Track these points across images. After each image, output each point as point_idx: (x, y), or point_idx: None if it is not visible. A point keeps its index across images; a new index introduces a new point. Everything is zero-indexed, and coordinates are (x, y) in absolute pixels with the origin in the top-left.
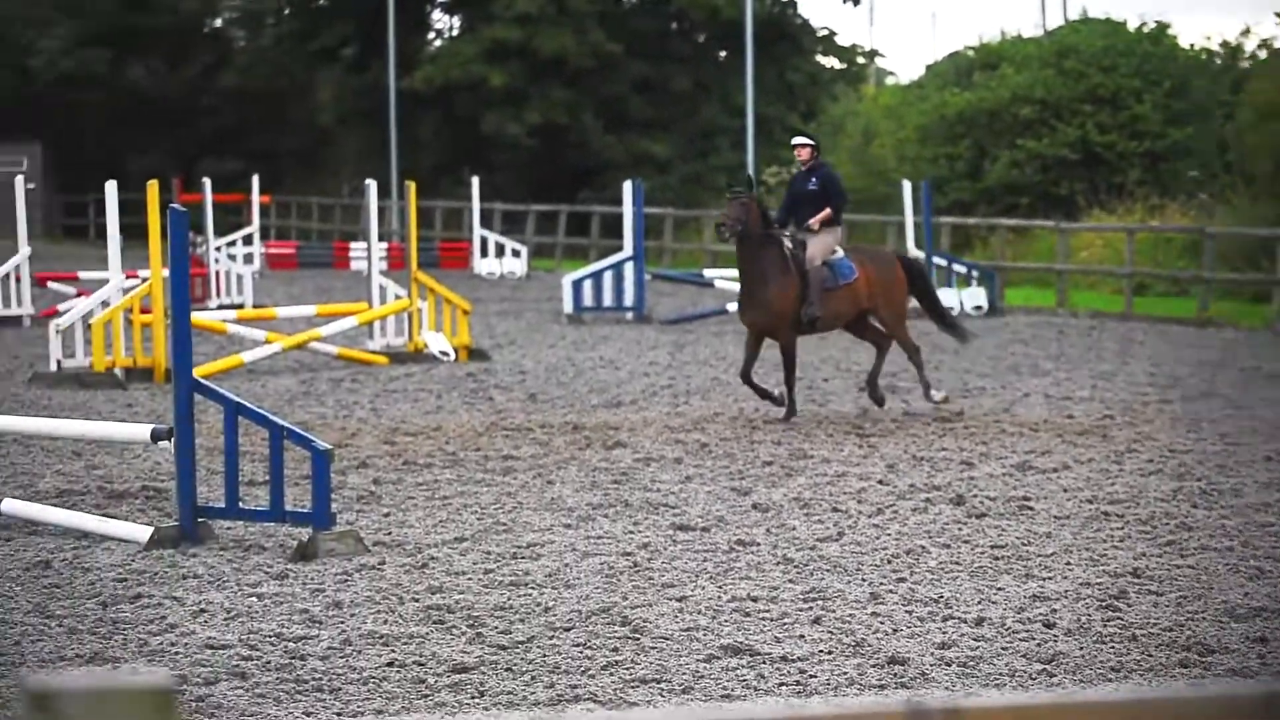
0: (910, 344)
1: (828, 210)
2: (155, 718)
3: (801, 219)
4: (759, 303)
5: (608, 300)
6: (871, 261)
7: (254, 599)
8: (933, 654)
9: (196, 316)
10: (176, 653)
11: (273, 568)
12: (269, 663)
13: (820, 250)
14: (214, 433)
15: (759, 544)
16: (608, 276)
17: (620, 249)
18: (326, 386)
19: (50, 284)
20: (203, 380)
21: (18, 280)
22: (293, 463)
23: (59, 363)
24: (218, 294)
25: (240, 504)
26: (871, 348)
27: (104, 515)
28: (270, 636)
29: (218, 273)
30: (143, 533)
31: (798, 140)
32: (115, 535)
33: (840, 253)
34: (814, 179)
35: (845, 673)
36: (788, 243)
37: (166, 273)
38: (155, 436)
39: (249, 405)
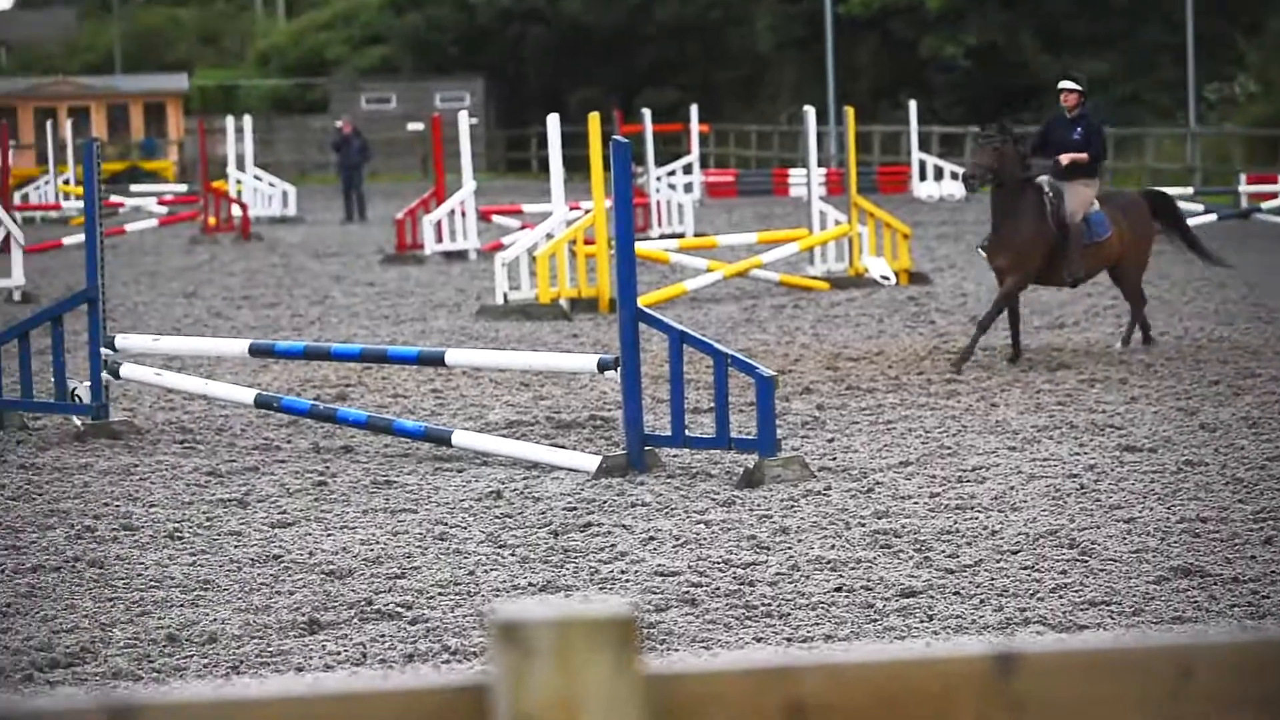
0: (1140, 294)
1: (1084, 155)
2: (619, 647)
3: (1058, 172)
4: (1010, 246)
5: None
6: (1124, 215)
7: (702, 526)
8: None
9: (639, 246)
10: (627, 580)
11: (719, 494)
12: (718, 589)
13: (1081, 205)
14: (659, 361)
15: (1207, 464)
16: None
17: None
18: (768, 313)
19: (495, 218)
20: (647, 309)
21: (463, 215)
22: (736, 390)
23: (505, 295)
24: (659, 223)
25: (686, 432)
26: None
27: (552, 445)
28: (719, 563)
29: (658, 202)
30: (591, 462)
31: (1066, 85)
32: (564, 465)
33: (1096, 205)
34: (1078, 129)
35: None
36: (1047, 190)
37: (609, 204)
38: (601, 366)
39: (693, 333)
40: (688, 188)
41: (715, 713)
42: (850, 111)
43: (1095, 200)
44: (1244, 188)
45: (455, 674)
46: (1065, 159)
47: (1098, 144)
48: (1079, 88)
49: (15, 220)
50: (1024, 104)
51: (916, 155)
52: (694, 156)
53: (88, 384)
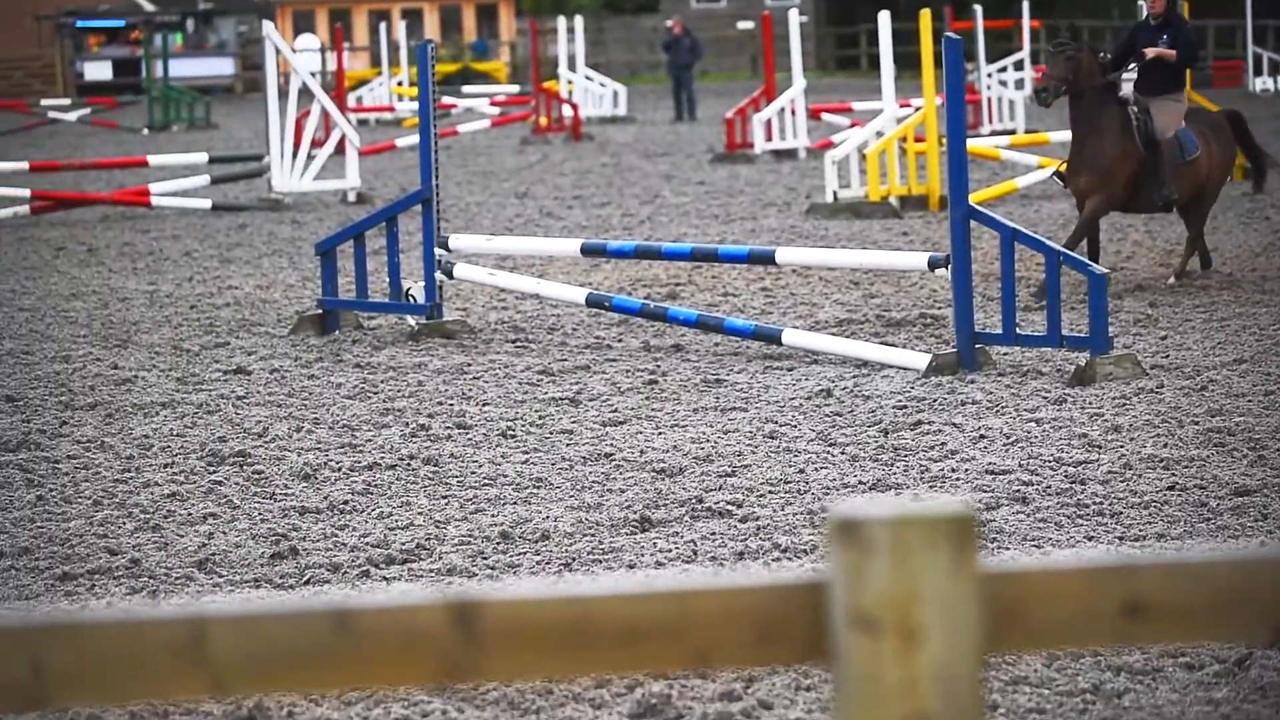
0: (1204, 221)
1: (1171, 51)
2: (957, 545)
3: (1143, 81)
4: (1095, 165)
5: None
6: (1212, 133)
7: (1032, 424)
8: None
9: (970, 143)
10: (957, 478)
11: (1050, 393)
12: (1049, 487)
13: (1171, 122)
14: (989, 259)
15: None
16: None
17: None
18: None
19: (824, 116)
20: (978, 207)
21: (793, 113)
22: (1068, 287)
23: (835, 193)
24: (989, 120)
25: (1017, 330)
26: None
27: (882, 343)
28: (1050, 461)
29: (989, 99)
30: (921, 360)
31: None
32: (894, 363)
33: (1183, 124)
34: (1165, 35)
35: None
36: (1133, 104)
37: (940, 101)
38: (932, 264)
39: (1025, 231)
40: (1019, 84)
41: (1052, 611)
42: (1184, 6)
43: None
44: None
45: (791, 571)
46: (1151, 53)
47: (1185, 51)
48: None
49: (350, 122)
50: None
51: (1251, 49)
52: (1025, 53)
53: (422, 284)
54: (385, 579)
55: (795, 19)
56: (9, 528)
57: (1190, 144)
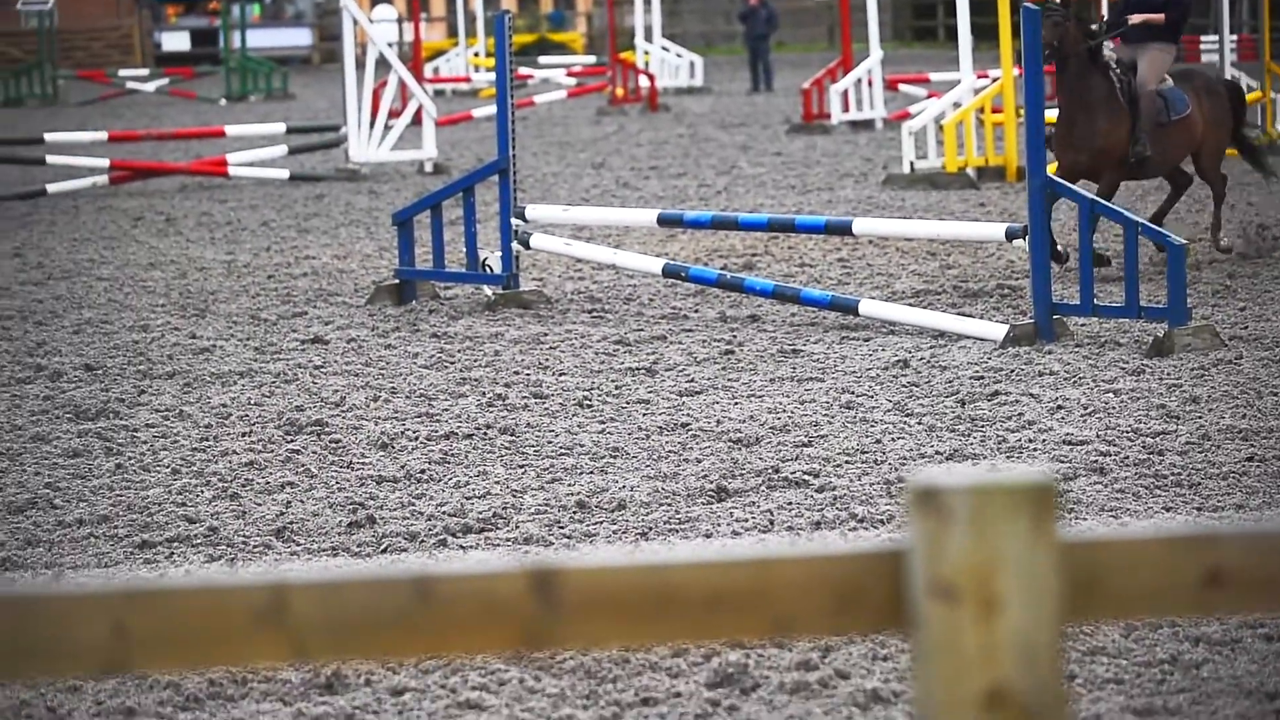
0: (1222, 185)
1: (1159, 16)
2: (1037, 514)
3: (1133, 32)
4: (1082, 139)
5: None
6: (1206, 93)
7: (1110, 395)
8: None
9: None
10: (1034, 449)
11: (1128, 363)
12: (1126, 458)
13: (1153, 73)
14: (1067, 230)
15: None
16: None
17: None
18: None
19: (901, 87)
20: (1056, 177)
21: (869, 84)
22: (1144, 258)
23: (912, 164)
24: None
25: (1095, 301)
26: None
27: (959, 314)
28: (1127, 432)
29: None
30: (998, 330)
31: None
32: (971, 333)
33: (1169, 81)
34: None
35: None
36: (1115, 66)
37: (1017, 72)
38: (1009, 235)
39: (1102, 201)
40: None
41: (1132, 580)
42: None
43: (1168, 77)
44: None
45: (870, 540)
46: (1136, 19)
47: (1176, 11)
48: None
49: (427, 93)
50: None
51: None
52: (1103, 21)
53: (498, 254)
54: (462, 548)
55: None
56: (88, 496)
57: (1179, 102)
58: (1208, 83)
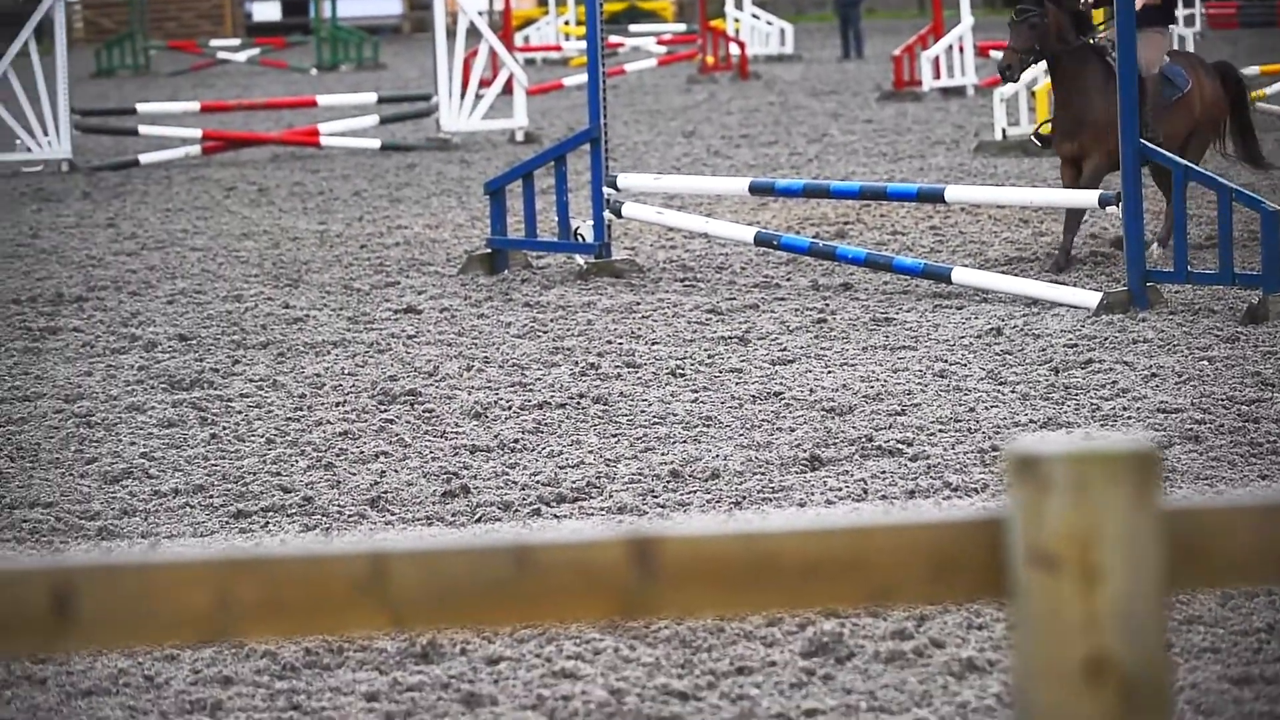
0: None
1: None
2: (1137, 482)
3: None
4: (1081, 126)
5: None
6: (1204, 71)
7: (1204, 362)
8: None
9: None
10: (1129, 417)
11: (1222, 331)
12: (1221, 426)
13: (1154, 56)
14: (1160, 196)
15: None
16: None
17: None
18: (1271, 146)
19: (993, 53)
20: (1149, 144)
21: (960, 51)
22: (1238, 224)
23: (1004, 131)
24: None
25: (1189, 267)
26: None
27: (1052, 281)
28: (1222, 400)
29: None
30: (1091, 298)
31: None
32: (1064, 301)
33: (1167, 59)
34: None
35: None
36: (1111, 52)
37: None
38: (1103, 202)
39: (1196, 167)
40: (1189, 20)
41: (1232, 548)
42: None
43: (1165, 57)
44: None
45: (968, 508)
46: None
47: None
48: None
49: (517, 61)
50: None
51: None
52: None
53: (590, 223)
54: (556, 517)
55: None
56: (184, 465)
57: (1179, 78)
58: (1204, 62)
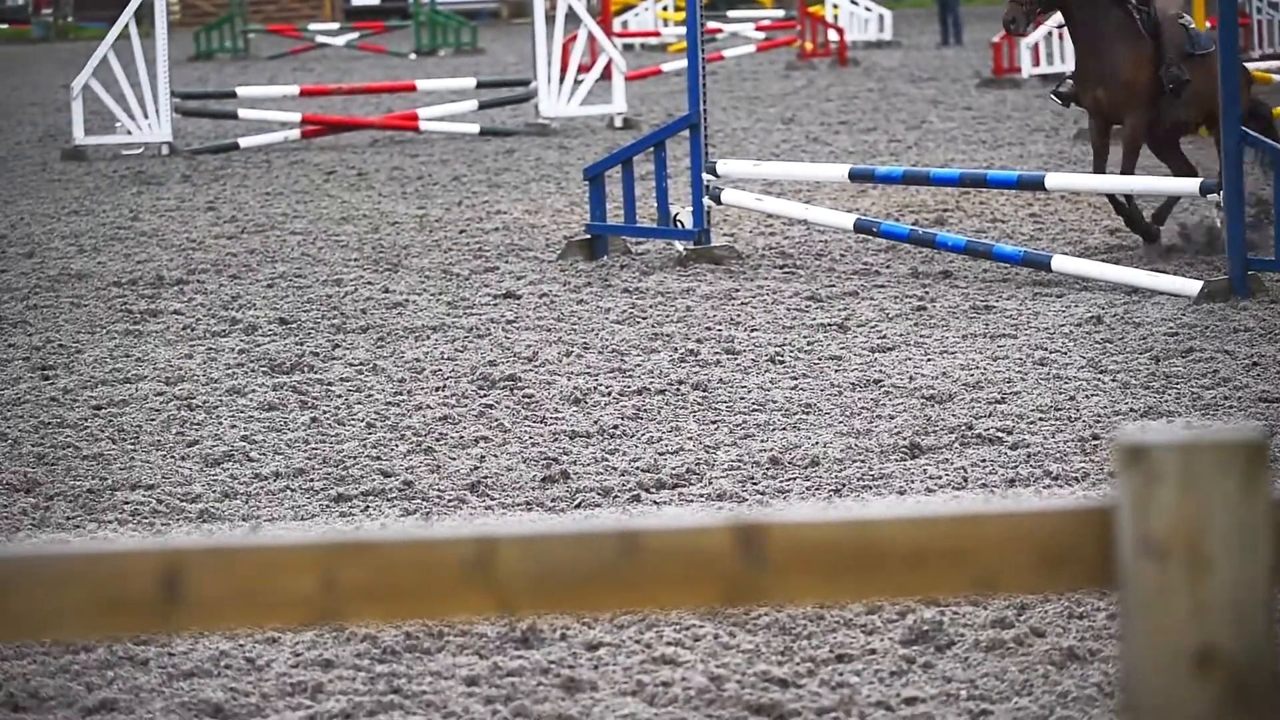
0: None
1: None
2: (1248, 472)
3: None
4: (1104, 73)
5: None
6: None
7: None
8: None
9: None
10: (1230, 406)
11: None
12: None
13: (1169, 2)
14: (1262, 183)
15: None
16: None
17: None
18: None
19: None
20: (1250, 131)
21: (1060, 38)
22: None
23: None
24: (1259, 45)
25: None
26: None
27: (1153, 270)
28: None
29: (1259, 22)
30: (1192, 286)
31: None
32: (1165, 289)
33: (1188, 18)
34: None
35: None
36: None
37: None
38: (1204, 190)
39: None
40: None
41: None
42: None
43: (1184, 14)
44: None
45: (1074, 497)
46: None
47: None
48: None
49: (616, 47)
50: None
51: None
52: None
53: (689, 209)
54: (656, 503)
55: None
56: (284, 449)
57: (1203, 37)
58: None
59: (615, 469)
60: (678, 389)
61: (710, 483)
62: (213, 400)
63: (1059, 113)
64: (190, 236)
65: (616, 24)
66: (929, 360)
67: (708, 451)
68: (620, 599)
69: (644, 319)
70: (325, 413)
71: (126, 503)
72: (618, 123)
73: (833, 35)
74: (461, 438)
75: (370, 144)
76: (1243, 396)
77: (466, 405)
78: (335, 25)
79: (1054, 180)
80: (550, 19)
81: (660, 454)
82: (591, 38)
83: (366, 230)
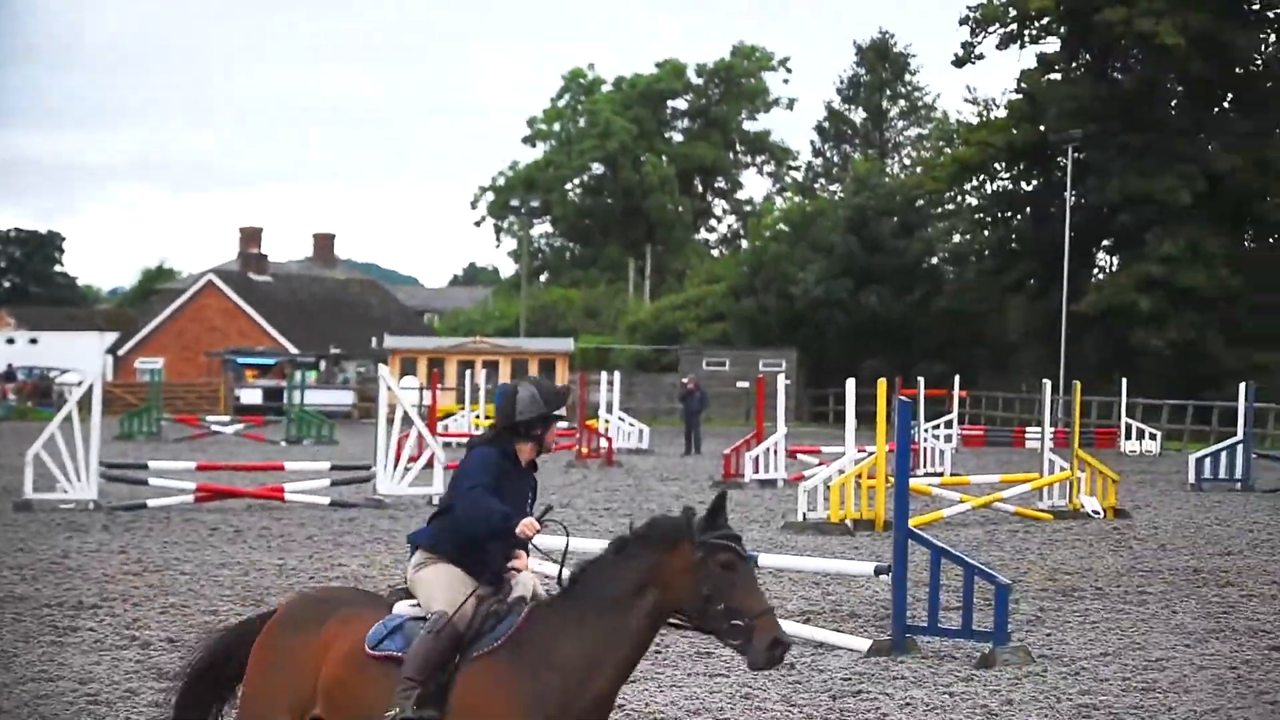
0: None
1: None
2: None
3: None
4: None
5: (1222, 474)
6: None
7: (946, 696)
8: None
9: (914, 482)
10: None
11: (961, 672)
12: None
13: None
14: (919, 569)
15: None
16: (1223, 456)
17: (1234, 435)
18: (1005, 536)
19: (799, 455)
20: (914, 529)
21: (775, 453)
22: (977, 593)
23: (804, 515)
24: (923, 465)
25: (939, 623)
26: None
27: (835, 629)
28: None
29: (925, 449)
30: (863, 644)
31: None
32: (843, 645)
33: None
34: None
35: None
36: None
37: (889, 447)
38: (877, 571)
39: (948, 549)
40: (948, 438)
41: None
42: (1077, 386)
43: None
44: None
45: None
46: None
47: None
48: None
49: (438, 443)
50: (1210, 384)
51: (1124, 420)
52: (953, 415)
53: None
54: None
55: (781, 382)
56: None
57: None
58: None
59: None
60: None
61: None
62: (114, 698)
63: (771, 508)
64: (105, 572)
65: (439, 426)
66: (661, 691)
67: None
68: None
69: None
70: None
71: None
72: (436, 500)
73: (603, 442)
74: None
75: (246, 508)
76: None
77: None
78: (227, 418)
79: (765, 559)
80: (390, 420)
81: None
82: (420, 436)
83: (238, 574)
